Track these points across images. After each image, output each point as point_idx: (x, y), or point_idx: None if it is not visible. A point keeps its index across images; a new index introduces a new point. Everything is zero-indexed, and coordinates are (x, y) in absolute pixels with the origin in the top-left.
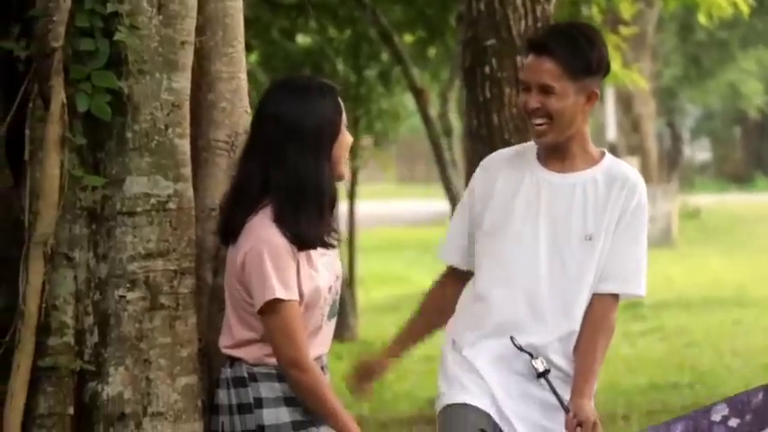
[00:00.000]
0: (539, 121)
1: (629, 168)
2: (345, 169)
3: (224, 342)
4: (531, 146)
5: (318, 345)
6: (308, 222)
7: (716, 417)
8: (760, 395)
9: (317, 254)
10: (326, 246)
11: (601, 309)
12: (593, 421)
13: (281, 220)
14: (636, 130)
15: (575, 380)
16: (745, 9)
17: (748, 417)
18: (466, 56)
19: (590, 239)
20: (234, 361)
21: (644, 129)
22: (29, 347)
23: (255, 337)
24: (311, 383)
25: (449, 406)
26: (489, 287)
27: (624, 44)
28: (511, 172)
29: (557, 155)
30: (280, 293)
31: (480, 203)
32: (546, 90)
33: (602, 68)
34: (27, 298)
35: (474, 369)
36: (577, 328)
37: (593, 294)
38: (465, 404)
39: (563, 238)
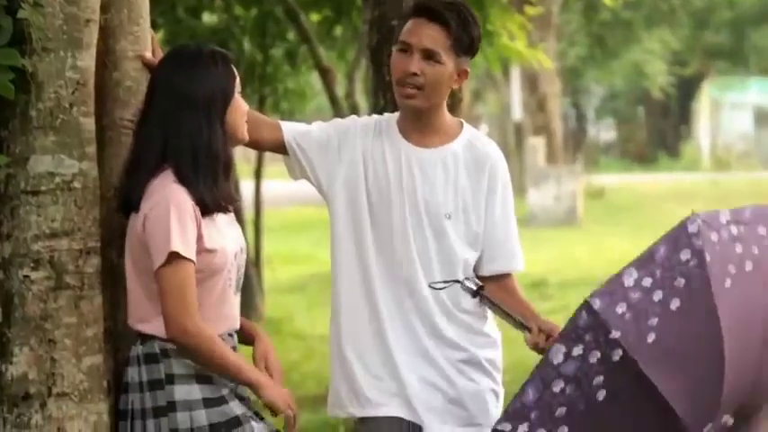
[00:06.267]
0: (410, 89)
1: (489, 144)
2: (244, 133)
3: (133, 318)
4: (390, 117)
5: (226, 319)
6: (206, 186)
7: (629, 281)
8: (662, 249)
9: (221, 221)
10: (225, 210)
11: (501, 287)
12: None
13: (183, 182)
14: (541, 110)
15: (527, 308)
16: None
17: (658, 272)
18: (372, 35)
19: (449, 218)
20: (146, 338)
21: (549, 108)
22: None
23: None
24: (205, 345)
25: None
26: (377, 287)
27: (529, 24)
28: (374, 142)
29: (418, 127)
30: (178, 247)
31: (337, 152)
32: (430, 56)
33: (476, 50)
34: None
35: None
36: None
37: (486, 278)
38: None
39: (428, 216)
